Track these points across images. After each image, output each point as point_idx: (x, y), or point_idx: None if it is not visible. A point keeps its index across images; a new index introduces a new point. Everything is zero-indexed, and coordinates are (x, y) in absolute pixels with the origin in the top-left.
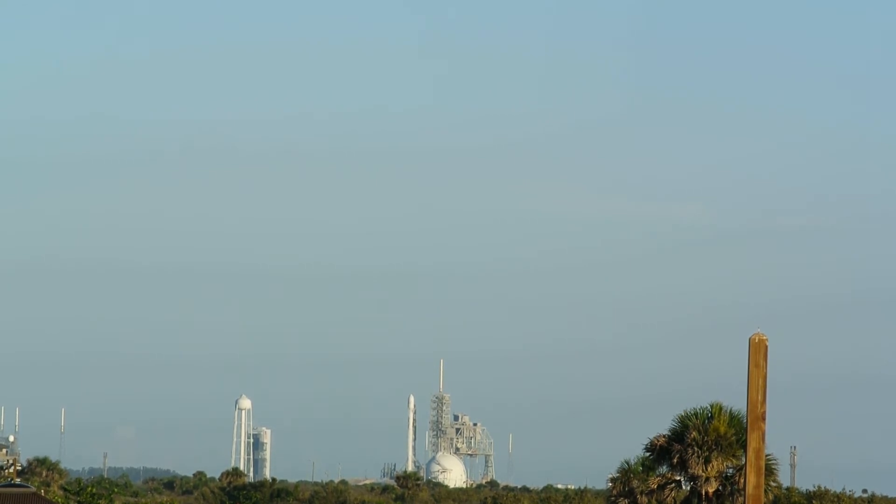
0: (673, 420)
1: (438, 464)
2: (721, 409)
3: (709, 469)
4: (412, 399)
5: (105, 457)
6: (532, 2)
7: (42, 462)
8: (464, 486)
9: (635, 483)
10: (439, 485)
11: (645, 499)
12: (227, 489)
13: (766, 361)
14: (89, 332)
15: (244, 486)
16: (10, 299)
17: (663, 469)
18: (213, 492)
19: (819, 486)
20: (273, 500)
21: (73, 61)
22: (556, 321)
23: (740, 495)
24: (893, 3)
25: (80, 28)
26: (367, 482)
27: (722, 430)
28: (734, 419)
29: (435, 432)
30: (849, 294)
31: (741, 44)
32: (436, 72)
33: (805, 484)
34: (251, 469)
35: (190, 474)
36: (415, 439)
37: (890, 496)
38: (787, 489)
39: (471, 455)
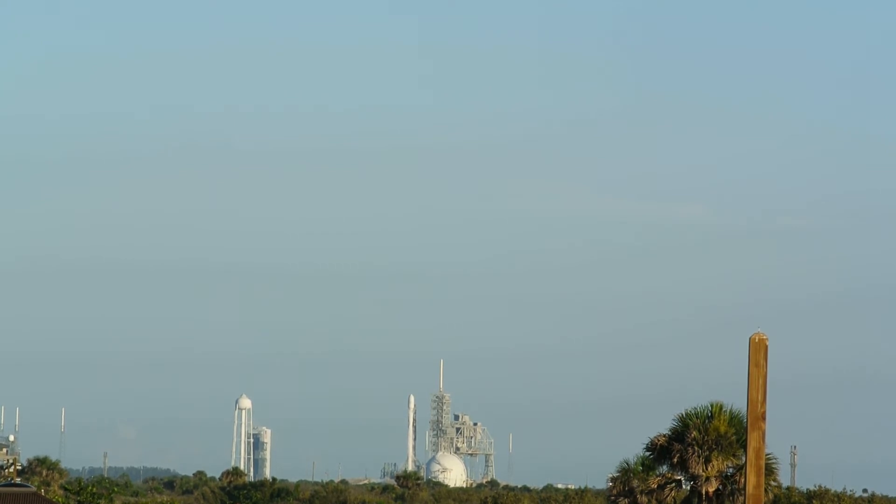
0: (673, 419)
1: (438, 463)
2: (721, 408)
3: (709, 469)
4: (412, 399)
5: (105, 456)
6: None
7: (42, 461)
8: (464, 485)
9: (635, 483)
10: (439, 484)
11: (645, 498)
12: (228, 489)
13: (767, 361)
14: (89, 332)
15: (244, 486)
16: (10, 299)
17: (663, 468)
18: (213, 491)
19: (819, 486)
20: (273, 500)
21: (74, 60)
22: (556, 321)
23: (740, 495)
24: (894, 2)
25: (80, 27)
26: (367, 482)
27: (722, 429)
28: (734, 419)
29: (435, 432)
30: (849, 294)
31: (742, 43)
32: (434, 71)
33: (805, 483)
34: (251, 469)
35: (190, 474)
36: (415, 439)
37: (890, 496)
38: (788, 489)
39: (471, 455)
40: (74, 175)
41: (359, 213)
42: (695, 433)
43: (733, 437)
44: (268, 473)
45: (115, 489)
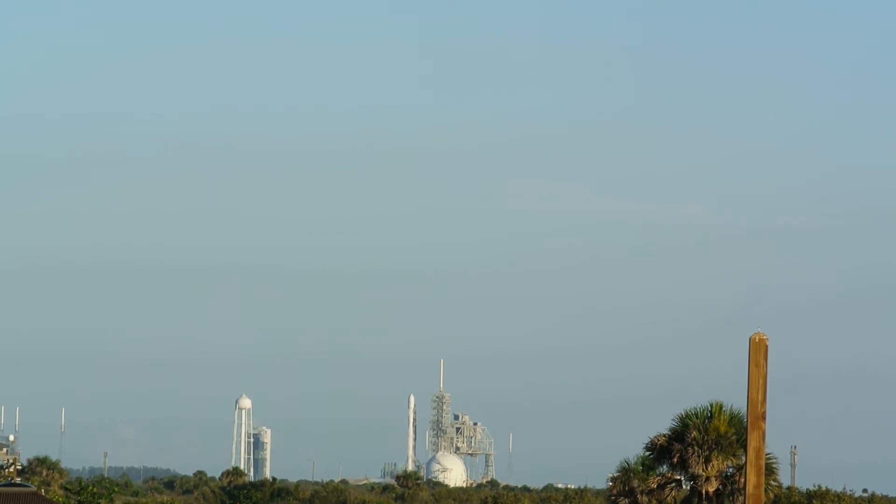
0: (673, 419)
1: (438, 463)
2: (721, 408)
3: (709, 468)
4: (412, 399)
5: (105, 456)
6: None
7: (42, 461)
8: (464, 485)
9: (635, 482)
10: (439, 484)
11: (645, 498)
12: (228, 489)
13: (767, 361)
14: (89, 332)
15: (244, 486)
16: (10, 299)
17: (663, 468)
18: (213, 491)
19: (819, 486)
20: (273, 500)
21: (74, 60)
22: (556, 320)
23: (740, 495)
24: (894, 2)
25: (80, 27)
26: (367, 482)
27: (722, 429)
28: (734, 418)
29: (435, 432)
30: (849, 294)
31: (742, 42)
32: (434, 71)
33: (805, 483)
34: (251, 468)
35: (190, 474)
36: (415, 439)
37: (890, 496)
38: (788, 489)
39: (471, 454)
40: (74, 175)
41: (359, 213)
42: (695, 433)
43: (733, 437)
44: (268, 473)
45: (116, 489)
